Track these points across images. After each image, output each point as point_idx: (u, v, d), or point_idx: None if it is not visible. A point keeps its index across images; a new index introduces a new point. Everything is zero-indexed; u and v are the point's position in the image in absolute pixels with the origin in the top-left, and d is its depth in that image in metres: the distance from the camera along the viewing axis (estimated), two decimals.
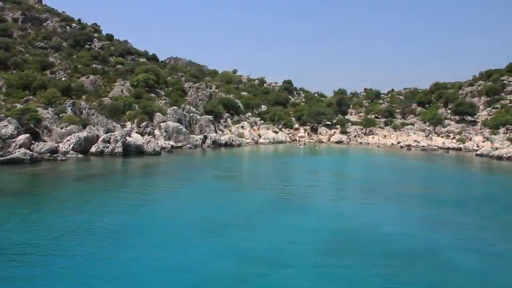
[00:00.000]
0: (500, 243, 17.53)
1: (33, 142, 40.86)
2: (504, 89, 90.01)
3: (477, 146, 64.16)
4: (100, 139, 46.14)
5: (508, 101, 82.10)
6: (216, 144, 59.98)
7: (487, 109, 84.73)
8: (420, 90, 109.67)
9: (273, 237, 17.63)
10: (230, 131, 69.01)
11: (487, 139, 66.61)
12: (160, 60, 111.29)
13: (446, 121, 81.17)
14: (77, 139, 44.63)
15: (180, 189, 28.04)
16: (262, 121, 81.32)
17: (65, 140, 44.47)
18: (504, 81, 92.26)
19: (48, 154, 39.92)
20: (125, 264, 14.15)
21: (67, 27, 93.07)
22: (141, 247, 15.85)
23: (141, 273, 13.43)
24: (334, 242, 17.20)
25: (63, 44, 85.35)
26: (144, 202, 23.45)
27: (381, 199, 26.30)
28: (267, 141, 69.69)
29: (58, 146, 42.77)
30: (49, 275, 13.06)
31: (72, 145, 43.96)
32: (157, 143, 49.76)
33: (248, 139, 67.95)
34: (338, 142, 75.03)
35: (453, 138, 71.75)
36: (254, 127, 76.12)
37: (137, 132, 54.04)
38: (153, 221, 19.60)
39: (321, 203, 24.62)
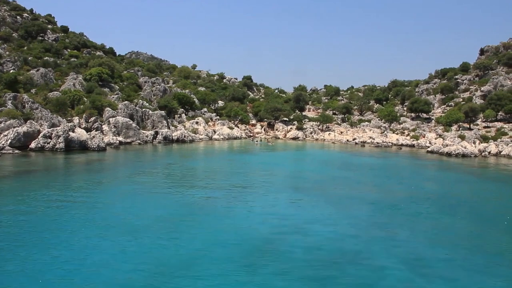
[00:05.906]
0: (429, 250, 16.89)
1: None
2: (458, 87, 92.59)
3: (430, 143, 65.24)
4: (41, 134, 44.42)
5: (461, 99, 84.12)
6: (167, 140, 58.87)
7: (442, 107, 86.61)
8: (378, 87, 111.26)
9: (193, 242, 16.70)
10: (184, 126, 67.83)
11: (440, 136, 67.85)
12: (120, 54, 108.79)
13: (402, 118, 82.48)
14: (16, 134, 42.88)
15: (107, 188, 26.88)
16: (218, 117, 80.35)
17: (2, 135, 42.61)
18: (458, 80, 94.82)
19: None
20: (24, 269, 13.37)
21: (18, 17, 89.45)
22: (44, 251, 14.89)
23: (42, 282, 12.61)
24: (257, 249, 16.23)
25: (13, 34, 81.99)
26: (62, 202, 22.20)
27: (319, 200, 25.49)
28: (222, 137, 68.93)
29: None
30: None
31: (10, 140, 42.17)
32: (102, 139, 48.22)
33: (202, 135, 67.02)
34: (294, 138, 75.11)
35: (408, 135, 72.80)
36: (209, 123, 75.11)
37: (85, 128, 52.35)
38: (65, 222, 18.50)
39: (254, 204, 23.64)
